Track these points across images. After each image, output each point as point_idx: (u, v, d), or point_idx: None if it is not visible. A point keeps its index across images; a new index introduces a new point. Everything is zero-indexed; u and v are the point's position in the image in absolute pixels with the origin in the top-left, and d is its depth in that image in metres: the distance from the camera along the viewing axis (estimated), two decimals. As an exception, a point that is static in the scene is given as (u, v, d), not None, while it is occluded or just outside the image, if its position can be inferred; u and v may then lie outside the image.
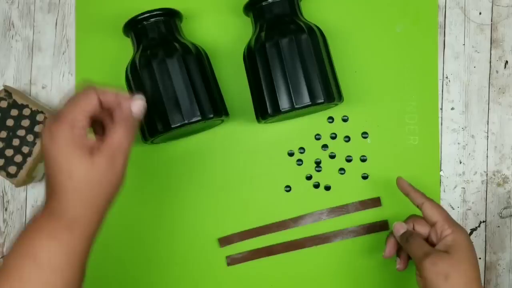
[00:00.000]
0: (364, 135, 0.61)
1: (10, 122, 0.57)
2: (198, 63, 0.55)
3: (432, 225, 0.52)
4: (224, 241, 0.60)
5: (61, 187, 0.42)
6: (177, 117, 0.53)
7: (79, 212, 0.42)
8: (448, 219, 0.51)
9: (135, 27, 0.56)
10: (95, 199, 0.43)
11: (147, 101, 0.48)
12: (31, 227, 0.42)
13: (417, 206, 0.53)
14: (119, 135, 0.44)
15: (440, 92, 0.62)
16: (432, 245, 0.51)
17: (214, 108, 0.54)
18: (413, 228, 0.54)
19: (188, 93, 0.53)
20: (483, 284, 0.61)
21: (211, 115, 0.54)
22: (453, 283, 0.47)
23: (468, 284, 0.47)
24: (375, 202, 0.60)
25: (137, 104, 0.46)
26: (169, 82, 0.53)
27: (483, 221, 0.62)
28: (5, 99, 0.57)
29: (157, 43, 0.55)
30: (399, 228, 0.53)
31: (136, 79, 0.55)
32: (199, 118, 0.53)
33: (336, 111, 0.61)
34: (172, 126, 0.53)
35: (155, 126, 0.54)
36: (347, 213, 0.60)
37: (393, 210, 0.61)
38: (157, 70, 0.53)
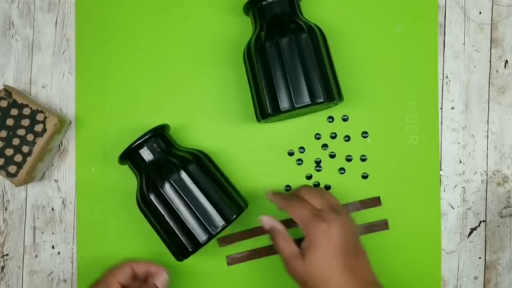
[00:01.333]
0: (364, 134, 0.61)
1: (10, 122, 0.57)
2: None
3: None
4: (224, 240, 0.60)
5: None
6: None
7: None
8: (305, 221, 0.51)
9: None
10: None
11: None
12: None
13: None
14: None
15: (440, 91, 0.62)
16: None
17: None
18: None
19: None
20: (483, 284, 0.61)
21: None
22: (311, 286, 0.49)
23: (325, 283, 0.49)
24: (375, 201, 0.60)
25: (161, 279, 0.54)
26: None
27: (483, 221, 0.62)
28: (5, 99, 0.57)
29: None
30: (265, 222, 0.54)
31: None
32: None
33: (336, 111, 0.61)
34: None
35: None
36: (347, 212, 0.60)
37: (393, 210, 0.61)
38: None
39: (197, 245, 0.52)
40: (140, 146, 0.54)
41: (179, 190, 0.52)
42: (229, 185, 0.56)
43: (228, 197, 0.54)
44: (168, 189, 0.52)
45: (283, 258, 0.52)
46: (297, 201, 0.53)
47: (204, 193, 0.53)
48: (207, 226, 0.52)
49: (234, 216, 0.53)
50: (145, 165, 0.55)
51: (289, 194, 0.55)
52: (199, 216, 0.52)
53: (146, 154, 0.55)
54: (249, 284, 0.61)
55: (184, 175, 0.53)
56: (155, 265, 0.55)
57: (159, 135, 0.56)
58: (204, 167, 0.54)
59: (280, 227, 0.53)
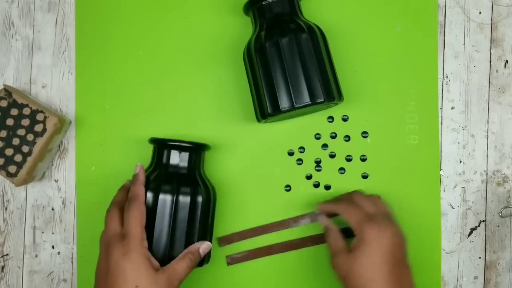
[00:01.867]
0: (364, 134, 0.61)
1: (10, 122, 0.57)
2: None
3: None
4: (224, 240, 0.60)
5: None
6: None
7: None
8: (359, 220, 0.52)
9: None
10: None
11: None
12: None
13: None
14: (183, 264, 0.51)
15: (440, 91, 0.62)
16: None
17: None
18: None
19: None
20: (483, 284, 0.61)
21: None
22: (351, 283, 0.50)
23: (368, 282, 0.49)
24: None
25: (205, 248, 0.54)
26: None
27: (483, 221, 0.62)
28: (5, 99, 0.57)
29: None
30: (321, 220, 0.57)
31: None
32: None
33: (336, 111, 0.61)
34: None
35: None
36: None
37: (394, 210, 0.61)
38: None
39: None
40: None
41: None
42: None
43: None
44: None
45: (331, 252, 0.53)
46: (350, 202, 0.55)
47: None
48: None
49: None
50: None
51: (339, 197, 0.58)
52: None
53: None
54: (249, 284, 0.61)
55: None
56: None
57: None
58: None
59: (332, 225, 0.56)
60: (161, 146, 0.55)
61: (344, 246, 0.53)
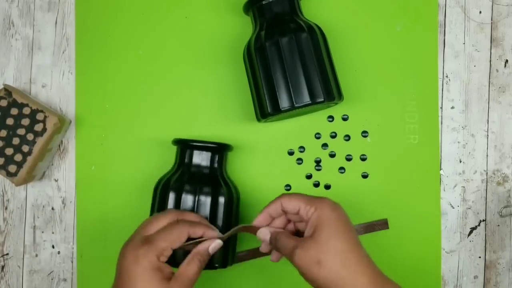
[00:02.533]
0: (364, 134, 0.61)
1: (10, 121, 0.57)
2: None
3: (297, 214, 0.49)
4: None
5: None
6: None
7: None
8: (309, 199, 0.48)
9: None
10: None
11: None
12: None
13: (284, 212, 0.50)
14: (194, 267, 0.47)
15: (440, 91, 0.62)
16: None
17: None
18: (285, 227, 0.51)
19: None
20: (483, 284, 0.61)
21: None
22: (327, 266, 0.44)
23: (344, 260, 0.44)
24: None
25: (215, 247, 0.49)
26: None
27: (483, 220, 0.62)
28: (5, 98, 0.57)
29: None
30: (264, 236, 0.50)
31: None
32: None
33: (336, 110, 0.61)
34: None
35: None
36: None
37: (393, 209, 0.61)
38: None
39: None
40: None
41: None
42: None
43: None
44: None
45: (290, 250, 0.46)
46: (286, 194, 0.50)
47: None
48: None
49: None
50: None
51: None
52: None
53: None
54: (249, 284, 0.61)
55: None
56: (211, 229, 0.50)
57: None
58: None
59: (277, 229, 0.50)
60: (184, 146, 0.56)
61: (298, 239, 0.47)
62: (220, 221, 0.54)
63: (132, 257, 0.46)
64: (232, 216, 0.55)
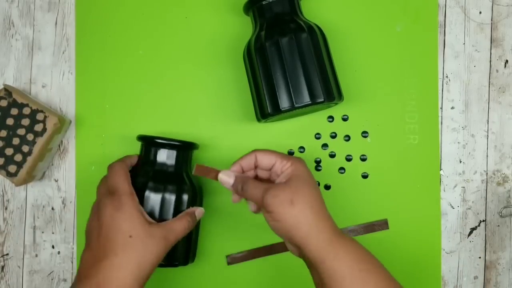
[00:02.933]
0: (364, 134, 0.61)
1: (10, 121, 0.57)
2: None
3: (270, 169, 0.51)
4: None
5: (118, 247, 0.47)
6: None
7: (124, 280, 0.46)
8: (284, 156, 0.51)
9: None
10: (142, 266, 0.47)
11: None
12: None
13: (255, 168, 0.52)
14: (180, 223, 0.51)
15: (440, 91, 0.62)
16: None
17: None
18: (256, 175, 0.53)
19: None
20: (483, 284, 0.61)
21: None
22: (299, 206, 0.47)
23: (313, 205, 0.47)
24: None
25: (199, 212, 0.54)
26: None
27: (483, 220, 0.62)
28: (5, 98, 0.57)
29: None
30: (226, 179, 0.51)
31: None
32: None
33: (336, 110, 0.61)
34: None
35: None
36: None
37: (393, 210, 0.61)
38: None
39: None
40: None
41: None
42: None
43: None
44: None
45: (261, 192, 0.48)
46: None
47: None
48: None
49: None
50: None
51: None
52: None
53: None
54: (249, 284, 0.61)
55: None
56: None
57: None
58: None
59: (244, 175, 0.51)
60: (149, 143, 0.55)
61: (271, 183, 0.50)
62: None
63: (111, 207, 0.48)
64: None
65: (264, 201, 0.47)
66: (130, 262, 0.46)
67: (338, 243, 0.47)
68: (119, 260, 0.46)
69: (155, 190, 0.53)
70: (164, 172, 0.54)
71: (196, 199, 0.56)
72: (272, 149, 0.61)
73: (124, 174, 0.51)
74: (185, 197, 0.54)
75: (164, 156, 0.55)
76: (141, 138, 0.56)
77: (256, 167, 0.52)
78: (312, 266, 0.47)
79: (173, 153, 0.55)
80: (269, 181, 0.52)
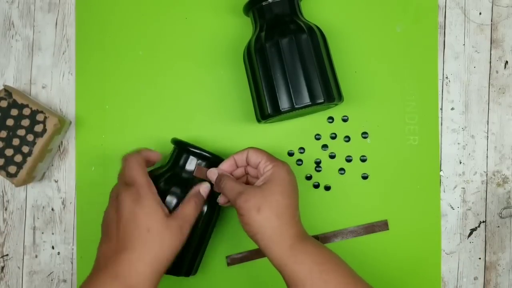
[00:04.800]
0: (364, 135, 0.61)
1: (10, 122, 0.57)
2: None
3: (256, 168, 0.54)
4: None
5: (137, 241, 0.48)
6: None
7: (143, 274, 0.47)
8: (271, 157, 0.53)
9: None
10: (160, 260, 0.48)
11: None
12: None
13: (247, 165, 0.55)
14: (190, 208, 0.52)
15: (440, 92, 0.62)
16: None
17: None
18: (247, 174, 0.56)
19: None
20: (483, 285, 0.61)
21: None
22: (265, 214, 0.49)
23: (280, 213, 0.49)
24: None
25: (204, 188, 0.54)
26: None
27: (483, 221, 0.62)
28: (5, 99, 0.57)
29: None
30: (212, 175, 0.54)
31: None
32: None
33: (336, 111, 0.61)
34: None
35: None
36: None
37: (393, 210, 0.61)
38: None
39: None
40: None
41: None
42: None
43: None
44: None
45: (235, 194, 0.50)
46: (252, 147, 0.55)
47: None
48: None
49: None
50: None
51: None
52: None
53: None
54: (249, 284, 0.61)
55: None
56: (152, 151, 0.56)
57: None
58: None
59: (225, 173, 0.54)
60: (183, 149, 0.55)
61: (246, 186, 0.51)
62: (201, 230, 0.55)
63: (130, 199, 0.49)
64: (211, 224, 0.56)
65: (236, 203, 0.50)
66: (148, 256, 0.48)
67: (299, 247, 0.49)
68: (137, 254, 0.47)
69: (177, 195, 0.53)
70: (188, 180, 0.55)
71: (215, 209, 0.56)
72: (272, 150, 0.61)
73: (140, 166, 0.51)
74: (205, 208, 0.54)
75: (193, 165, 0.55)
76: (176, 142, 0.56)
77: (247, 164, 0.55)
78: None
79: (202, 163, 0.55)
80: (256, 179, 0.55)
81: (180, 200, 0.53)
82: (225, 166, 0.55)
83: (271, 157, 0.53)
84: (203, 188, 0.54)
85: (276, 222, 0.49)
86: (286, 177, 0.51)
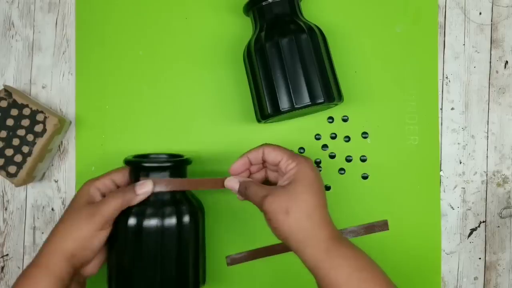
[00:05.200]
0: (364, 135, 0.61)
1: (10, 122, 0.57)
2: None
3: (277, 165, 0.51)
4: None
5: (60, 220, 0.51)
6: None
7: (47, 253, 0.50)
8: (291, 154, 0.50)
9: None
10: (64, 239, 0.49)
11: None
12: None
13: (264, 162, 0.52)
14: (110, 200, 0.50)
15: (440, 92, 0.62)
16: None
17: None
18: (266, 175, 0.54)
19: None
20: (483, 285, 0.61)
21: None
22: (295, 216, 0.46)
23: (310, 213, 0.47)
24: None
25: (142, 185, 0.50)
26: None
27: (483, 221, 0.62)
28: (5, 99, 0.57)
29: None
30: (233, 184, 0.51)
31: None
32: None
33: (336, 111, 0.61)
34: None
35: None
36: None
37: (393, 210, 0.61)
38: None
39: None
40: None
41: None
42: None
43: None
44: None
45: (261, 198, 0.48)
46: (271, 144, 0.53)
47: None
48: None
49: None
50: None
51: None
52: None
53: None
54: (249, 284, 0.61)
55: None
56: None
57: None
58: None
59: (248, 179, 0.51)
60: (136, 168, 0.52)
61: (271, 187, 0.49)
62: (189, 242, 0.52)
63: (75, 195, 0.52)
64: (199, 230, 0.54)
65: (263, 207, 0.48)
66: (55, 237, 0.50)
67: (335, 252, 0.46)
68: (51, 236, 0.50)
69: (152, 218, 0.49)
70: (158, 198, 0.51)
71: (198, 218, 0.53)
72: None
73: (115, 201, 0.50)
74: (186, 219, 0.51)
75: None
76: (128, 162, 0.52)
77: (264, 161, 0.52)
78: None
79: (165, 174, 0.51)
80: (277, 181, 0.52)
81: (158, 224, 0.49)
82: (237, 165, 0.52)
83: (292, 154, 0.50)
84: (140, 186, 0.50)
85: (307, 224, 0.46)
86: (312, 175, 0.49)
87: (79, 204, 0.50)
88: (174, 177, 0.52)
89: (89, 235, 0.48)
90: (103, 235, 0.49)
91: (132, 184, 0.51)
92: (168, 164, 0.52)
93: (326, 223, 0.48)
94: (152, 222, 0.50)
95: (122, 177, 0.53)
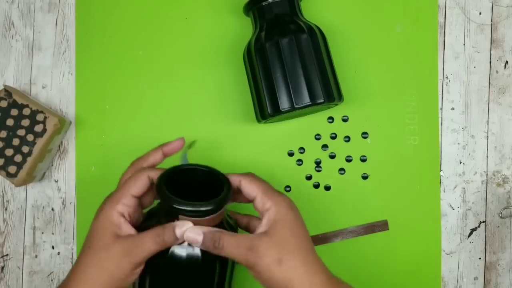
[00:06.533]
0: (364, 135, 0.61)
1: (10, 122, 0.57)
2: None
3: (251, 200, 0.46)
4: None
5: (81, 256, 0.44)
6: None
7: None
8: (266, 192, 0.45)
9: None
10: (96, 283, 0.43)
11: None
12: None
13: (237, 188, 0.47)
14: (148, 238, 0.43)
15: (440, 92, 0.62)
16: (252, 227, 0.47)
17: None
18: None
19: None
20: (483, 285, 0.61)
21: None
22: (289, 264, 0.43)
23: (304, 258, 0.44)
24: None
25: (181, 227, 0.44)
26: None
27: (483, 221, 0.62)
28: (5, 99, 0.57)
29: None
30: (195, 236, 0.43)
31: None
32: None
33: (336, 111, 0.61)
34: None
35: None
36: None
37: (393, 210, 0.61)
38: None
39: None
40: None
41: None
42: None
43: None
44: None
45: (244, 250, 0.43)
46: (249, 174, 0.48)
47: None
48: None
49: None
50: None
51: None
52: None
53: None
54: (249, 284, 0.61)
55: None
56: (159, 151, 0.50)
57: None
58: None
59: (216, 230, 0.44)
60: (170, 207, 0.44)
61: (252, 237, 0.44)
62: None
63: (97, 211, 0.45)
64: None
65: (248, 262, 0.43)
66: (84, 275, 0.43)
67: None
68: (75, 273, 0.44)
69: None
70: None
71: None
72: (271, 150, 0.61)
73: (133, 184, 0.46)
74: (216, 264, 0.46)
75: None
76: (170, 200, 0.44)
77: (238, 189, 0.48)
78: None
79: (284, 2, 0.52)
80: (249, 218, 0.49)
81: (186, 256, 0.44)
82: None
83: (268, 191, 0.46)
84: (179, 227, 0.43)
85: (302, 270, 0.43)
86: (292, 216, 0.45)
87: (106, 239, 0.43)
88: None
89: (124, 276, 0.43)
90: (137, 273, 0.44)
91: (171, 224, 0.44)
92: (211, 207, 0.44)
93: (320, 267, 0.45)
94: (186, 260, 0.45)
95: (140, 188, 0.46)
